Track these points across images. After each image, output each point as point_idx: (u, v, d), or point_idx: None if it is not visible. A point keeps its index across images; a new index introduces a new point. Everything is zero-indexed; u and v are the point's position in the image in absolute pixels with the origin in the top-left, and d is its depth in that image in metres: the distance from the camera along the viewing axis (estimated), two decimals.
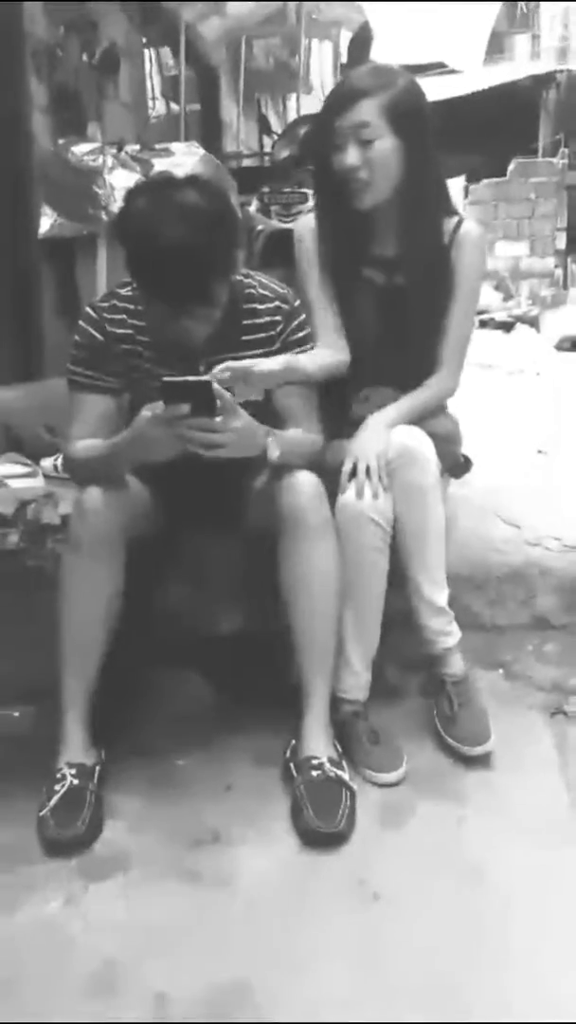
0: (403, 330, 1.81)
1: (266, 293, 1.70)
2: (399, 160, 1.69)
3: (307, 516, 1.60)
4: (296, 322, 1.71)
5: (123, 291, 1.69)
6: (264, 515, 1.65)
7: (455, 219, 1.82)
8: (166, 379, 1.41)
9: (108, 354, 1.66)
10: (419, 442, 1.70)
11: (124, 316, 1.66)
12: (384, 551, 1.69)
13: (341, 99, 1.70)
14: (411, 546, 1.72)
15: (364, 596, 1.70)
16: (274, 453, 1.56)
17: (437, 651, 1.79)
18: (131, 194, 1.54)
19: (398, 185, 1.72)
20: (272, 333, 1.69)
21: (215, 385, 1.43)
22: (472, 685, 1.81)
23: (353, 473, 1.68)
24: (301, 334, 1.72)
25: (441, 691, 1.79)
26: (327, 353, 1.78)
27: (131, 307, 1.66)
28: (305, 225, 1.88)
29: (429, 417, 1.82)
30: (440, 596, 1.76)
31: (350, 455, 1.70)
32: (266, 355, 1.68)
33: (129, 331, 1.66)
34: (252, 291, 1.70)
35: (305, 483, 1.61)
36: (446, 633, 1.78)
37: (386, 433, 1.70)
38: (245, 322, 1.68)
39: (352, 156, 1.68)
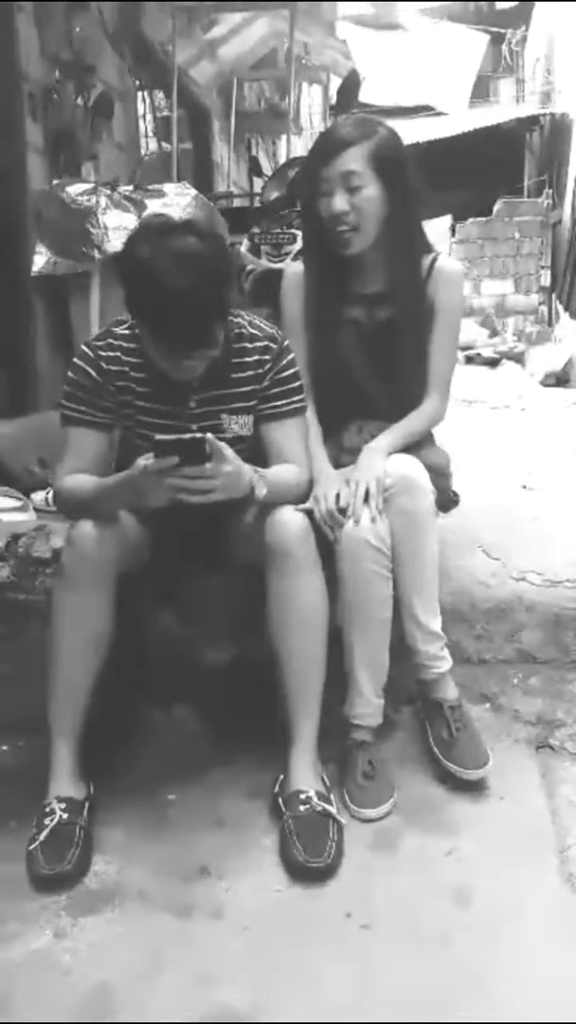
0: (388, 363, 1.87)
1: (255, 332, 1.74)
2: (384, 205, 1.78)
3: (293, 551, 1.63)
4: (284, 361, 1.74)
5: (118, 329, 1.73)
6: (252, 550, 1.68)
7: (431, 256, 1.90)
8: (159, 438, 1.46)
9: (102, 391, 1.70)
10: (415, 471, 1.74)
11: (119, 354, 1.70)
12: (387, 577, 1.73)
13: (328, 148, 1.78)
14: (407, 572, 1.75)
15: (370, 623, 1.73)
16: (261, 492, 1.59)
17: (431, 676, 1.81)
18: (131, 240, 1.57)
19: (382, 228, 1.81)
20: (260, 371, 1.72)
21: (208, 435, 1.47)
22: (467, 710, 1.84)
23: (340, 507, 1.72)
24: (288, 372, 1.75)
25: (437, 717, 1.81)
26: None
27: (126, 345, 1.70)
28: (292, 275, 1.95)
29: (422, 450, 1.87)
30: (434, 622, 1.79)
31: (351, 481, 1.74)
32: (254, 393, 1.72)
33: (124, 368, 1.70)
34: (242, 331, 1.73)
35: (291, 519, 1.64)
36: (440, 658, 1.81)
37: (383, 460, 1.76)
38: (234, 360, 1.71)
39: (340, 202, 1.76)
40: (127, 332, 1.71)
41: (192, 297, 1.48)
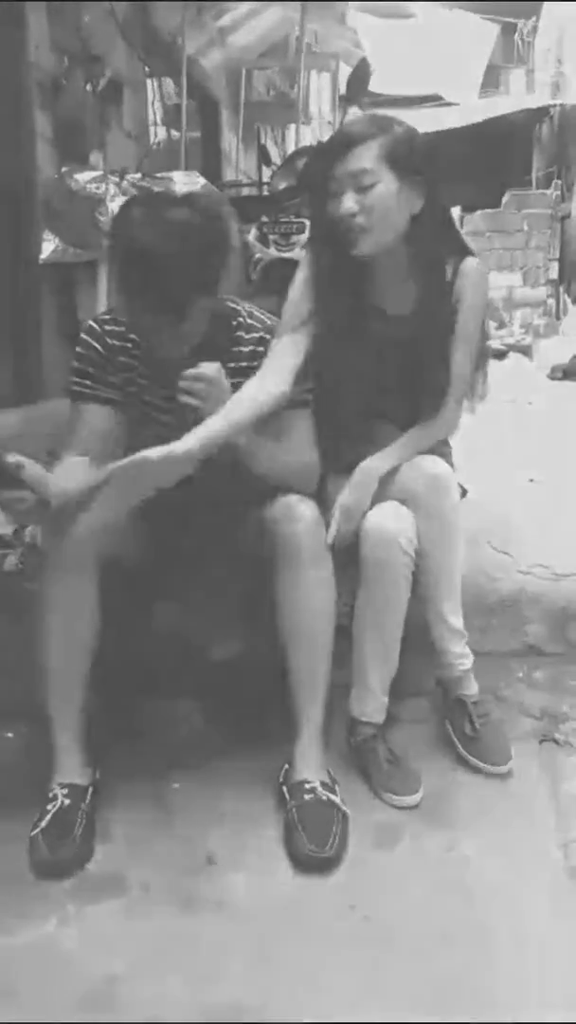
0: (405, 375, 1.78)
1: (253, 323, 1.73)
2: (402, 204, 1.65)
3: (303, 544, 1.62)
4: None
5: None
6: (261, 542, 1.67)
7: (458, 259, 1.77)
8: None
9: (108, 366, 1.70)
10: (443, 470, 1.73)
11: (122, 330, 1.70)
12: (409, 578, 1.71)
13: (338, 146, 1.67)
14: (436, 572, 1.74)
15: (388, 621, 1.73)
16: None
17: (456, 674, 1.82)
18: (127, 204, 1.59)
19: (405, 232, 1.68)
20: (254, 364, 1.69)
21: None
22: (489, 705, 1.84)
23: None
24: None
25: (460, 713, 1.81)
26: (264, 385, 1.66)
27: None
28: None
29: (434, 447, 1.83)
30: (459, 620, 1.79)
31: (338, 503, 1.72)
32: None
33: (127, 345, 1.70)
34: (240, 319, 1.72)
35: (302, 511, 1.64)
36: (464, 655, 1.81)
37: (374, 487, 1.71)
38: (233, 349, 1.70)
39: (349, 202, 1.63)
40: None
41: (163, 259, 1.47)
